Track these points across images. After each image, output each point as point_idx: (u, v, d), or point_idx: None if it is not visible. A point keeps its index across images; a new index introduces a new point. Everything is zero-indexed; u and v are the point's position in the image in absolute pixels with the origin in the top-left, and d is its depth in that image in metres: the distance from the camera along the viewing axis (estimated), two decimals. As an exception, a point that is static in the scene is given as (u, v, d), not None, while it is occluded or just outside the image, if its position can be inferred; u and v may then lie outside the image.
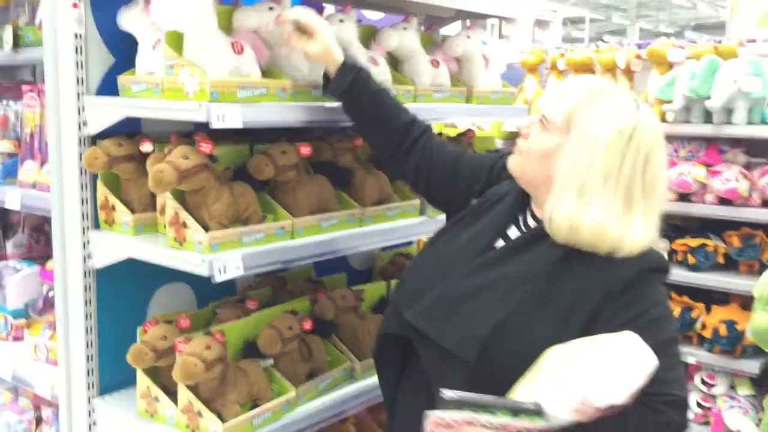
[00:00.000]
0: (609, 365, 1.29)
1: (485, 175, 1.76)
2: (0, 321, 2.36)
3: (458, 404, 1.33)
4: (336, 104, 1.87)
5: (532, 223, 1.57)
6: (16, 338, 2.33)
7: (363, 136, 1.97)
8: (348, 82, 1.77)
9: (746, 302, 3.21)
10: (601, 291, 1.40)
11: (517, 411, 1.31)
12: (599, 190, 1.40)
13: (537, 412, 1.31)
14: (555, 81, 3.93)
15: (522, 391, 1.35)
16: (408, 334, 1.56)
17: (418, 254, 1.77)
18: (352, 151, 2.10)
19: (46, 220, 2.64)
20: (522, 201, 1.60)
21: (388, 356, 1.68)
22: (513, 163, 1.57)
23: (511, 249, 1.53)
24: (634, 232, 1.41)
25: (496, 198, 1.66)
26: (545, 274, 1.44)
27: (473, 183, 1.76)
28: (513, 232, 1.58)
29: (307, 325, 1.97)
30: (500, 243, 1.57)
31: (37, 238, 2.62)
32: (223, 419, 1.73)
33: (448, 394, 1.33)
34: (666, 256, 3.52)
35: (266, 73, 1.81)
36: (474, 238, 1.59)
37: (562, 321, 1.40)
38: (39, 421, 2.25)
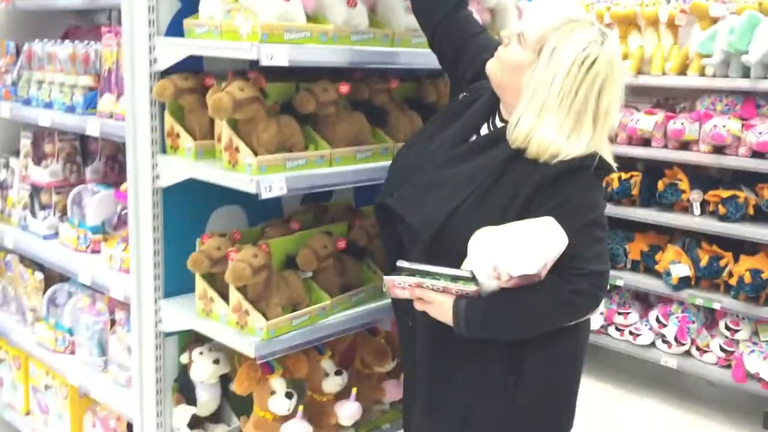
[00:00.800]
0: (522, 239, 1.57)
1: (479, 65, 1.89)
2: (81, 236, 2.70)
3: (410, 271, 1.74)
4: (373, 48, 2.10)
5: (498, 123, 1.81)
6: (94, 251, 2.67)
7: None
8: None
9: (774, 252, 3.35)
10: (532, 185, 1.65)
11: (455, 278, 1.68)
12: (554, 110, 1.64)
13: (471, 278, 1.66)
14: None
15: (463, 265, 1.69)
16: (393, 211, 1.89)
17: (404, 145, 2.06)
18: (387, 92, 2.32)
19: (120, 150, 2.97)
20: (495, 101, 1.83)
21: (387, 229, 2.02)
22: (490, 66, 1.79)
23: (474, 147, 1.81)
24: (572, 148, 1.64)
25: (477, 95, 1.92)
26: (493, 172, 1.71)
27: (467, 69, 1.99)
28: (483, 130, 1.86)
29: (341, 244, 2.24)
30: (473, 137, 1.86)
31: (111, 166, 2.96)
32: (267, 318, 2.02)
33: (401, 263, 1.76)
34: (699, 207, 3.66)
35: (311, 18, 2.04)
36: (452, 134, 1.87)
37: (501, 212, 1.67)
38: (113, 322, 2.59)
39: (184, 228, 2.29)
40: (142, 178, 2.20)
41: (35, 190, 2.92)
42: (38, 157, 2.88)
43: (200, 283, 2.15)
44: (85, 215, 2.71)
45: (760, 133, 3.38)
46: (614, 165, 1.76)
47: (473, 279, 1.66)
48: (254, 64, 1.89)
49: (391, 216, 1.93)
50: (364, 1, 2.19)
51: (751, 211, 3.55)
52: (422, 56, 2.29)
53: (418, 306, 1.78)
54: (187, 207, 2.28)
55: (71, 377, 2.67)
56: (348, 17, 2.11)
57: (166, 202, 2.22)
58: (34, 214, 2.91)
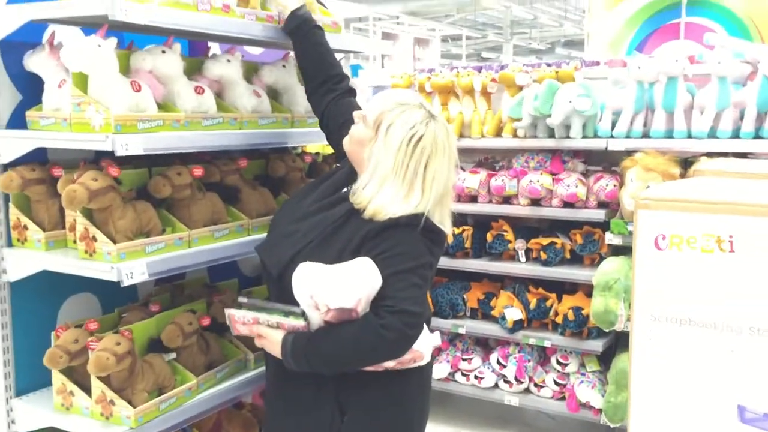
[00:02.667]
0: (338, 274, 1.77)
1: None
2: None
3: (249, 306, 1.93)
4: (223, 131, 2.21)
5: (345, 190, 2.05)
6: (-73, 354, 2.49)
7: (300, 66, 2.40)
8: (295, 25, 2.33)
9: (590, 290, 3.75)
10: (362, 235, 1.87)
11: (287, 313, 1.86)
12: (391, 180, 1.89)
13: (301, 314, 1.84)
14: (423, 102, 4.38)
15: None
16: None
17: (284, 203, 2.28)
18: (237, 172, 2.42)
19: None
20: (353, 170, 2.07)
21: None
22: (344, 141, 2.07)
23: (325, 204, 2.04)
24: (401, 210, 1.87)
25: (345, 165, 2.15)
26: (335, 223, 1.94)
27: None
28: (335, 195, 2.07)
29: (206, 321, 2.28)
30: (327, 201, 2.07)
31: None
32: (133, 406, 2.01)
33: (241, 299, 1.95)
34: (524, 255, 4.04)
35: (161, 106, 2.11)
36: (317, 195, 2.09)
37: (335, 256, 1.87)
38: (-47, 429, 2.42)
39: (34, 321, 2.23)
40: (-13, 273, 2.12)
41: None
42: None
43: (58, 377, 2.09)
44: None
45: (568, 186, 3.82)
46: (447, 230, 1.98)
47: (302, 314, 1.83)
48: (103, 152, 1.92)
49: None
50: (211, 87, 2.29)
51: (567, 255, 3.98)
52: (268, 136, 2.43)
53: (257, 342, 1.94)
54: (37, 299, 2.23)
55: None
56: (197, 103, 2.20)
57: (14, 295, 2.16)
58: None
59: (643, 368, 1.50)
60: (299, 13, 2.35)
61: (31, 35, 2.11)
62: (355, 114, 2.04)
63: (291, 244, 1.97)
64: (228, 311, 1.94)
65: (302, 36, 2.34)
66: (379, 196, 1.88)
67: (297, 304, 1.84)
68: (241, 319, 1.91)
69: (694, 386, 1.46)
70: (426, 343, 1.94)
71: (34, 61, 2.09)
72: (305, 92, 2.40)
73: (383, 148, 1.90)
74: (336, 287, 1.77)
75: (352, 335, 1.81)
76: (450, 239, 4.09)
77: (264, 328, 1.89)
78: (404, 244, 1.86)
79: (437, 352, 1.97)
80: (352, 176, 2.06)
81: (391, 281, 1.81)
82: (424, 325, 1.93)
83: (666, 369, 1.49)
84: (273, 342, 1.88)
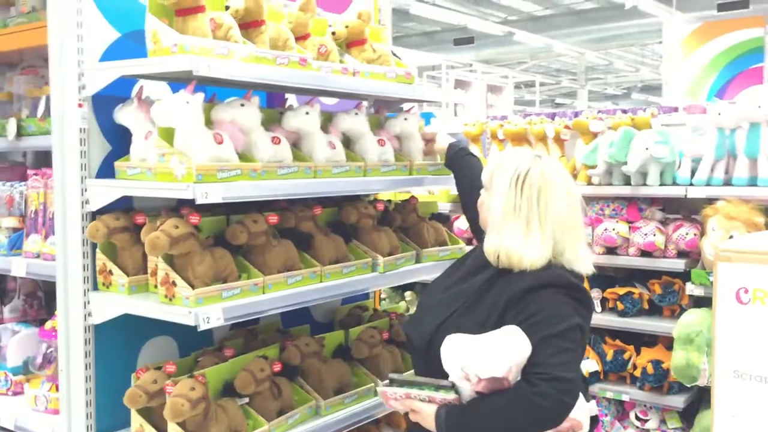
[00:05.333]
0: (488, 344, 1.76)
1: None
2: (1, 378, 2.63)
3: (399, 383, 1.92)
4: (297, 180, 2.27)
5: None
6: (16, 393, 2.60)
7: (458, 185, 2.65)
8: (451, 156, 2.66)
9: (670, 343, 3.61)
10: (505, 299, 1.88)
11: (438, 387, 1.85)
12: (507, 222, 1.92)
13: (451, 387, 1.83)
14: (496, 149, 4.39)
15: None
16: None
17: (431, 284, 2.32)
18: (312, 219, 2.47)
19: (38, 287, 2.95)
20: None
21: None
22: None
23: (467, 274, 2.08)
24: (530, 251, 1.89)
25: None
26: (478, 290, 1.97)
27: None
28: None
29: (277, 367, 2.31)
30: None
31: (30, 303, 2.93)
32: (207, 449, 2.05)
33: (392, 375, 1.95)
34: (599, 304, 3.94)
35: (240, 155, 2.19)
36: (464, 268, 2.14)
37: (481, 324, 1.88)
38: (37, 466, 2.50)
39: (115, 363, 2.30)
40: (74, 315, 2.22)
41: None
42: (-47, 299, 2.83)
43: (136, 419, 2.15)
44: (6, 356, 2.66)
45: (645, 234, 3.72)
46: (583, 269, 1.97)
47: (452, 387, 1.83)
48: (185, 200, 2.00)
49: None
50: (288, 137, 2.37)
51: (645, 305, 3.85)
52: (342, 184, 2.47)
53: (411, 417, 1.95)
54: (119, 341, 2.31)
55: None
56: (273, 153, 2.27)
57: (97, 338, 2.25)
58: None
59: (725, 428, 1.44)
60: (454, 146, 2.66)
61: (121, 90, 2.23)
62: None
63: (435, 315, 2.01)
64: (380, 389, 1.96)
65: (458, 164, 2.62)
66: (501, 240, 1.93)
67: (444, 376, 1.85)
68: (393, 395, 1.92)
69: (782, 449, 1.39)
70: (583, 411, 1.90)
71: (124, 114, 2.20)
72: (461, 202, 2.60)
73: (494, 196, 1.98)
74: (486, 357, 1.76)
75: (505, 405, 1.79)
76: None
77: (417, 403, 1.89)
78: (549, 307, 1.85)
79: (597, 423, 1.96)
80: None
81: (540, 347, 1.78)
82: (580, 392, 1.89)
83: (750, 430, 1.42)
84: (426, 416, 1.87)
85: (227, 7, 2.18)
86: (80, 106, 2.16)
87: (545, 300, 1.86)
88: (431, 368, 1.91)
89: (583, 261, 1.99)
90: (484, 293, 1.96)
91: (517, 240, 1.91)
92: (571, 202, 1.98)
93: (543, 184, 1.94)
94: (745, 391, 1.41)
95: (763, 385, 1.36)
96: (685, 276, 3.65)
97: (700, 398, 3.76)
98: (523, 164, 1.96)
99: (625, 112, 4.10)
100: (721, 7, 8.82)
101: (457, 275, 2.13)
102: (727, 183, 3.54)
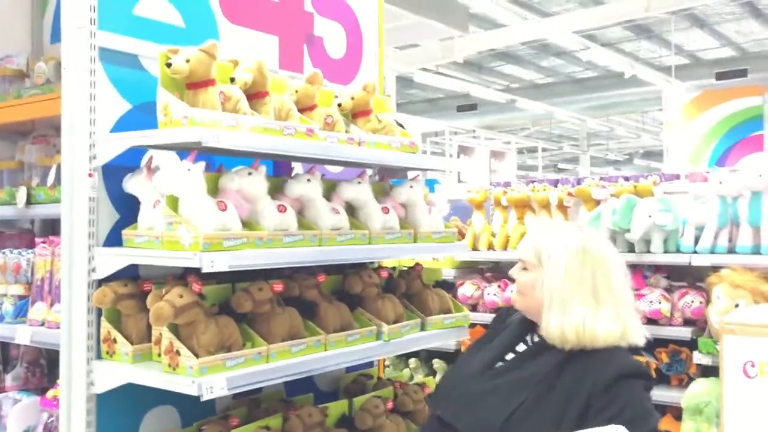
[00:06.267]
0: None
1: None
2: (-1, 448, 2.60)
3: None
4: (302, 248, 2.29)
5: (536, 339, 2.01)
6: (15, 464, 2.57)
7: None
8: None
9: (679, 413, 3.55)
10: (588, 388, 1.78)
11: None
12: (574, 298, 1.85)
13: None
14: (499, 215, 4.41)
15: None
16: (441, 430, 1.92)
17: (451, 365, 2.22)
18: (316, 287, 2.48)
19: (41, 354, 2.94)
20: (527, 324, 2.06)
21: None
22: (515, 302, 2.09)
23: (520, 358, 1.98)
24: (602, 325, 1.82)
25: (509, 323, 2.16)
26: (546, 377, 1.85)
27: None
28: (521, 347, 2.04)
29: (280, 438, 2.28)
30: (510, 356, 2.02)
31: (33, 371, 2.91)
32: None
33: None
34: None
35: (245, 223, 2.21)
36: (490, 353, 2.05)
37: (559, 413, 1.77)
38: None
39: (117, 432, 2.27)
40: (76, 384, 2.20)
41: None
42: (-44, 366, 2.81)
43: (136, 491, 2.11)
44: (6, 425, 2.62)
45: (651, 302, 3.71)
46: (642, 340, 1.92)
47: None
48: (191, 268, 2.01)
49: (441, 425, 1.98)
50: (293, 205, 2.39)
51: (653, 374, 3.80)
52: (346, 252, 2.49)
53: None
54: (121, 411, 2.29)
55: None
56: (279, 221, 2.29)
57: (99, 407, 2.22)
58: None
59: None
60: None
61: (131, 160, 2.27)
62: (512, 271, 2.08)
63: (493, 406, 1.85)
64: None
65: None
66: (567, 318, 1.85)
67: None
68: None
69: None
70: None
71: (133, 184, 2.24)
72: None
73: (554, 272, 1.90)
74: None
75: None
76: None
77: None
78: (635, 403, 1.78)
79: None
80: (526, 329, 2.07)
81: None
82: None
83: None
84: None
85: (232, 79, 2.24)
86: (90, 175, 2.20)
87: (631, 395, 1.79)
88: None
89: (640, 332, 1.94)
90: (553, 382, 1.84)
91: (586, 314, 1.84)
92: (625, 271, 1.98)
93: (604, 253, 1.92)
94: (756, 467, 1.38)
95: (773, 461, 1.34)
96: (692, 344, 3.62)
97: (712, 471, 3.67)
98: (575, 236, 1.94)
99: (627, 179, 4.14)
100: (720, 76, 8.99)
101: (496, 360, 2.00)
102: (731, 251, 3.54)
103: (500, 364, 2.00)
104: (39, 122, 2.77)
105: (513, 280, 2.13)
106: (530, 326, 2.06)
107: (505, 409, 1.82)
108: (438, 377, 4.12)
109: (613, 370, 1.79)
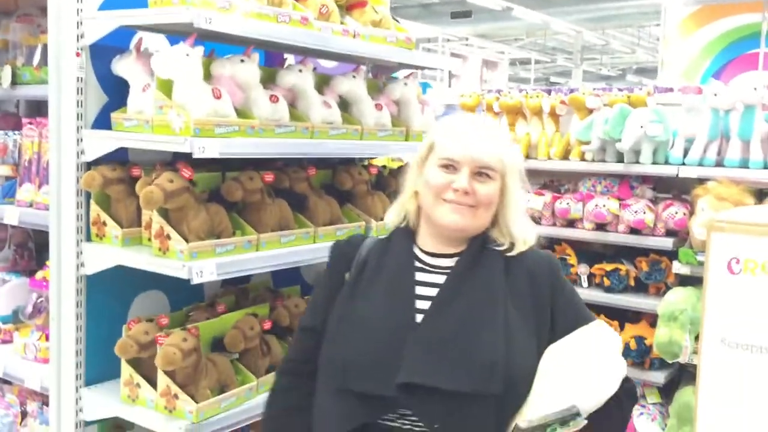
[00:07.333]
0: (594, 370, 1.54)
1: None
2: (-11, 326, 2.64)
3: (532, 428, 1.49)
4: (294, 140, 2.27)
5: (433, 260, 1.65)
6: (5, 341, 2.61)
7: None
8: None
9: (654, 320, 3.66)
10: (546, 284, 1.66)
11: (563, 421, 1.48)
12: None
13: (576, 413, 1.48)
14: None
15: (540, 399, 1.53)
16: (387, 411, 1.51)
17: (331, 338, 1.61)
18: (306, 180, 2.48)
19: (30, 237, 2.94)
20: (410, 251, 1.67)
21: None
22: (464, 220, 1.61)
23: (457, 278, 1.60)
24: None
25: (365, 259, 1.68)
26: (504, 289, 1.60)
27: None
28: (423, 276, 1.63)
29: (267, 325, 2.32)
30: (421, 289, 1.60)
31: (21, 253, 2.92)
32: (196, 401, 2.06)
33: (521, 425, 1.49)
34: (586, 280, 3.99)
35: (238, 111, 2.18)
36: (391, 296, 1.59)
37: (538, 320, 1.62)
38: (24, 414, 2.52)
39: (106, 314, 2.31)
40: (66, 266, 2.22)
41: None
42: (-57, 246, 2.81)
43: (126, 369, 2.17)
44: (-5, 305, 2.66)
45: (635, 212, 3.75)
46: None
47: (577, 413, 1.50)
48: (180, 154, 1.99)
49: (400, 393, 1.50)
50: (285, 97, 2.36)
51: (632, 282, 3.89)
52: (338, 146, 2.47)
53: None
54: (111, 293, 2.31)
55: (-24, 476, 2.55)
56: (272, 111, 2.26)
57: (89, 288, 2.25)
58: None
59: (710, 398, 1.46)
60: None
61: (119, 40, 2.21)
62: (466, 181, 1.61)
63: (483, 340, 1.53)
64: None
65: None
66: (531, 228, 1.73)
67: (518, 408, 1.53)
68: None
69: (765, 419, 1.42)
70: None
71: (122, 66, 2.19)
72: None
73: (519, 183, 1.69)
74: (599, 385, 1.53)
75: (627, 410, 1.68)
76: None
77: None
78: (571, 286, 1.79)
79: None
80: (409, 249, 1.68)
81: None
82: None
83: (736, 400, 1.45)
84: None
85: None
86: (78, 55, 2.14)
87: (565, 280, 1.78)
88: (505, 411, 1.52)
89: None
90: (512, 289, 1.62)
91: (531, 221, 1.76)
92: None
93: None
94: (731, 359, 1.43)
95: (748, 353, 1.38)
96: (673, 255, 3.69)
97: (680, 375, 3.82)
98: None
99: (621, 90, 4.10)
100: (721, -10, 8.78)
101: (412, 292, 1.60)
102: (719, 164, 3.56)
103: (441, 294, 1.59)
104: (23, 1, 2.67)
105: None
106: (411, 252, 1.67)
107: (498, 344, 1.53)
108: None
109: (546, 259, 1.75)
